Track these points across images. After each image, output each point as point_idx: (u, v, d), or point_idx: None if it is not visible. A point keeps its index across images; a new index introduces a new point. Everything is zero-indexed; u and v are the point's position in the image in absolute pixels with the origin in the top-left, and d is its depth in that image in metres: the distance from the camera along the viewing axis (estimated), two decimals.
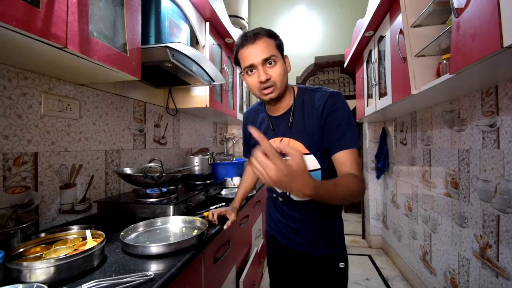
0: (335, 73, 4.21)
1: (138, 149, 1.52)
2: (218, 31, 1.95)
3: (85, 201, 1.15)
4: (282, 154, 0.88)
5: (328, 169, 0.85)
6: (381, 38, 1.89)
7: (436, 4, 1.17)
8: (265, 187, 2.12)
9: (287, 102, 0.89)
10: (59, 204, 1.03)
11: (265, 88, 0.81)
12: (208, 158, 1.80)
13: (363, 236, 3.21)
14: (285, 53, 0.87)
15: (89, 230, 0.76)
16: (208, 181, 1.72)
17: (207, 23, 1.75)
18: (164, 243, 0.74)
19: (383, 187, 2.89)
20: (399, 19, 1.47)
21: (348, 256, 0.96)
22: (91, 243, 0.71)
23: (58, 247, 0.70)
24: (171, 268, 0.66)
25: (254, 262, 1.59)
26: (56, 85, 1.01)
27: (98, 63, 0.81)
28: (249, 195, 1.36)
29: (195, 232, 0.89)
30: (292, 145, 0.86)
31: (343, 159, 0.78)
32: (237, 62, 0.87)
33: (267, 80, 0.79)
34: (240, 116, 2.51)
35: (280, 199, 0.97)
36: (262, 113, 0.98)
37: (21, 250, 0.67)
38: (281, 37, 0.86)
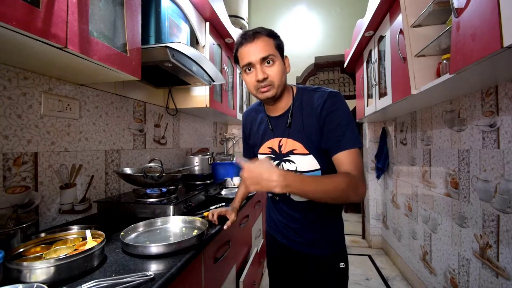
0: (335, 73, 4.21)
1: (138, 149, 1.52)
2: (218, 31, 1.95)
3: (85, 201, 1.15)
4: (284, 155, 0.88)
5: (328, 170, 0.85)
6: (381, 38, 1.89)
7: (436, 4, 1.17)
8: None
9: (286, 102, 0.89)
10: (59, 204, 1.03)
11: (262, 87, 0.81)
12: (208, 158, 1.80)
13: (363, 236, 3.21)
14: (285, 53, 0.87)
15: (89, 230, 0.76)
16: (208, 181, 1.72)
17: (207, 23, 1.75)
18: (164, 243, 0.74)
19: (383, 187, 2.89)
20: (399, 19, 1.47)
21: (348, 256, 0.96)
22: (91, 243, 0.71)
23: (58, 247, 0.70)
24: (171, 268, 0.66)
25: (254, 262, 1.59)
26: (56, 85, 1.01)
27: (98, 63, 0.81)
28: (249, 195, 1.37)
29: (195, 232, 0.89)
30: (291, 145, 0.86)
31: (342, 160, 0.77)
32: (236, 61, 0.87)
33: (264, 79, 0.79)
34: (240, 116, 2.51)
35: (277, 197, 0.98)
36: (261, 113, 0.98)
37: (21, 250, 0.67)
38: (281, 37, 0.86)
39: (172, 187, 1.22)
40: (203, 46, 1.74)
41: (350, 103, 3.80)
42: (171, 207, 1.06)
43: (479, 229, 1.29)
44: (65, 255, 0.62)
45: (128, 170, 1.26)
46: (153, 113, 1.67)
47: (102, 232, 0.75)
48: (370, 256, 2.71)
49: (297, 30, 3.33)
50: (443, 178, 1.61)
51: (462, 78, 1.05)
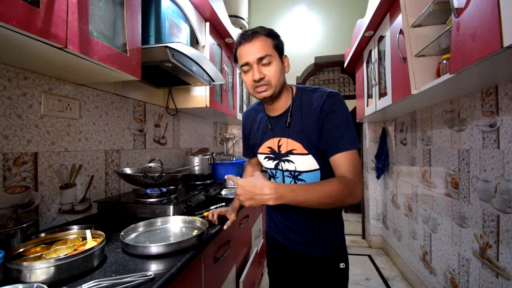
0: (335, 73, 4.21)
1: (138, 149, 1.52)
2: (218, 31, 1.95)
3: (85, 201, 1.15)
4: (284, 155, 0.88)
5: (328, 170, 0.85)
6: (381, 38, 1.89)
7: (436, 4, 1.17)
8: None
9: (285, 102, 0.89)
10: (59, 204, 1.03)
11: (258, 87, 0.82)
12: (208, 158, 1.80)
13: (363, 236, 3.21)
14: (285, 53, 0.87)
15: (89, 230, 0.76)
16: (208, 181, 1.72)
17: (207, 23, 1.75)
18: (164, 243, 0.74)
19: (383, 187, 2.89)
20: (399, 19, 1.47)
21: (348, 256, 0.96)
22: (91, 243, 0.71)
23: (58, 247, 0.70)
24: (171, 268, 0.66)
25: (254, 262, 1.59)
26: (56, 85, 1.01)
27: (98, 63, 0.81)
28: None
29: (195, 232, 0.89)
30: (290, 145, 0.86)
31: (339, 161, 0.78)
32: (236, 60, 0.88)
33: (261, 79, 0.80)
34: (240, 116, 2.51)
35: None
36: (261, 113, 0.98)
37: (21, 250, 0.67)
38: (282, 37, 0.86)
39: (172, 187, 1.22)
40: (203, 46, 1.74)
41: (350, 103, 3.81)
42: (171, 207, 1.06)
43: (479, 229, 1.29)
44: (65, 255, 0.62)
45: (128, 170, 1.26)
46: (153, 113, 1.67)
47: (102, 232, 0.75)
48: (370, 256, 2.71)
49: (297, 30, 3.33)
50: (443, 178, 1.61)
51: (462, 78, 1.05)
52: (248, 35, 0.80)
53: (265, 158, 0.96)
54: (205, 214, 1.08)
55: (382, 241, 2.90)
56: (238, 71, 2.52)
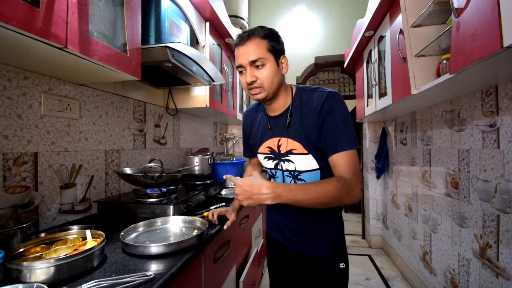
0: (335, 73, 4.21)
1: (138, 149, 1.52)
2: (218, 31, 1.95)
3: (85, 201, 1.15)
4: (283, 154, 0.88)
5: (328, 169, 0.85)
6: (381, 38, 1.89)
7: (436, 4, 1.17)
8: None
9: (284, 102, 0.89)
10: (59, 204, 1.03)
11: (251, 89, 0.83)
12: (208, 158, 1.80)
13: (363, 236, 3.21)
14: (285, 53, 0.87)
15: (89, 230, 0.76)
16: (208, 181, 1.72)
17: (207, 23, 1.75)
18: (164, 243, 0.74)
19: (383, 187, 2.89)
20: (399, 19, 1.47)
21: (348, 256, 0.96)
22: (91, 243, 0.71)
23: (58, 247, 0.70)
24: (171, 268, 0.66)
25: (254, 262, 1.59)
26: (56, 85, 1.01)
27: (98, 63, 0.81)
28: None
29: (195, 232, 0.89)
30: (290, 145, 0.86)
31: (338, 161, 0.78)
32: None
33: (253, 81, 0.81)
34: (240, 116, 2.51)
35: None
36: (261, 113, 0.98)
37: (21, 250, 0.67)
38: (281, 37, 0.86)
39: (172, 187, 1.22)
40: (203, 46, 1.74)
41: (350, 103, 3.81)
42: (171, 207, 1.06)
43: (479, 229, 1.29)
44: (65, 255, 0.62)
45: (128, 170, 1.26)
46: (153, 113, 1.67)
47: (102, 232, 0.75)
48: (370, 256, 2.71)
49: (297, 30, 3.33)
50: (443, 178, 1.61)
51: (462, 78, 1.05)
52: (243, 38, 0.81)
53: (265, 158, 0.96)
54: (205, 214, 1.08)
55: (382, 241, 2.90)
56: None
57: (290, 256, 0.98)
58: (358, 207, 3.95)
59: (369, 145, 2.98)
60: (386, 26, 1.74)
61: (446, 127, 1.56)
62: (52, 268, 0.58)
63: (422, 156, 1.89)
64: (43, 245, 0.71)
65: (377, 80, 2.00)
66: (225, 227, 1.00)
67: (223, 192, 1.69)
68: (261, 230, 2.09)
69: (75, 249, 0.69)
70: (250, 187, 0.71)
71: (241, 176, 1.77)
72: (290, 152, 0.87)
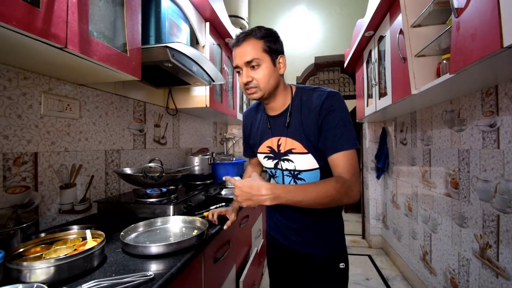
0: (335, 73, 4.21)
1: (138, 149, 1.52)
2: (218, 31, 1.95)
3: (85, 201, 1.15)
4: (283, 154, 0.89)
5: (328, 169, 0.85)
6: (381, 38, 1.89)
7: (436, 4, 1.17)
8: None
9: (283, 102, 0.89)
10: (59, 204, 1.03)
11: (248, 89, 0.84)
12: (208, 158, 1.80)
13: (363, 236, 3.21)
14: (285, 53, 0.87)
15: (89, 230, 0.76)
16: (208, 181, 1.72)
17: (207, 23, 1.75)
18: (164, 243, 0.74)
19: (383, 187, 2.89)
20: (399, 19, 1.47)
21: (348, 256, 0.96)
22: (91, 243, 0.71)
23: (58, 247, 0.70)
24: (171, 268, 0.66)
25: (254, 262, 1.59)
26: (56, 85, 1.01)
27: (98, 63, 0.81)
28: None
29: (195, 232, 0.89)
30: (290, 144, 0.87)
31: (337, 161, 0.78)
32: None
33: (249, 82, 0.82)
34: (240, 116, 2.51)
35: None
36: (260, 113, 0.99)
37: (21, 250, 0.66)
38: (281, 37, 0.87)
39: (172, 187, 1.22)
40: (203, 46, 1.74)
41: (350, 103, 3.81)
42: (171, 207, 1.06)
43: (479, 229, 1.29)
44: (65, 255, 0.62)
45: (128, 170, 1.26)
46: (153, 113, 1.67)
47: (102, 232, 0.75)
48: (370, 256, 2.71)
49: (297, 30, 3.33)
50: (443, 178, 1.61)
51: (462, 78, 1.05)
52: (239, 39, 0.83)
53: (264, 157, 0.97)
54: (205, 214, 1.08)
55: (382, 241, 2.90)
56: None
57: (290, 256, 0.98)
58: (358, 207, 3.95)
59: (369, 145, 2.98)
60: (386, 26, 1.74)
61: (446, 127, 1.56)
62: (52, 268, 0.57)
63: (422, 156, 1.89)
64: (43, 245, 0.71)
65: (377, 80, 2.00)
66: (225, 227, 1.00)
67: (223, 192, 1.69)
68: (261, 230, 2.09)
69: (75, 249, 0.69)
70: (249, 188, 0.72)
71: (241, 176, 1.77)
72: (289, 151, 0.87)
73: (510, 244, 1.10)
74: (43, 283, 0.53)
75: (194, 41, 1.71)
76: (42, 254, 0.66)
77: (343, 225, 0.97)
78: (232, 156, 2.32)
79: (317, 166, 0.86)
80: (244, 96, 2.86)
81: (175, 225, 0.97)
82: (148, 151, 1.62)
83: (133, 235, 0.87)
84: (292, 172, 0.90)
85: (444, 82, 1.08)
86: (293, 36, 3.32)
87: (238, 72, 0.85)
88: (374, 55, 2.06)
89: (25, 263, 0.57)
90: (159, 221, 0.97)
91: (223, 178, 0.85)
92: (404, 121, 2.22)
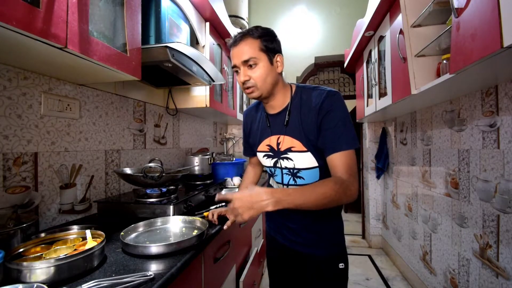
0: (335, 73, 4.21)
1: (138, 149, 1.52)
2: (218, 31, 1.95)
3: (85, 201, 1.15)
4: (282, 152, 0.88)
5: (327, 167, 0.84)
6: (381, 38, 1.89)
7: (436, 4, 1.17)
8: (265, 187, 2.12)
9: (283, 100, 0.89)
10: (59, 204, 1.03)
11: (246, 88, 0.85)
12: (208, 158, 1.80)
13: (363, 236, 3.21)
14: (284, 53, 0.87)
15: (89, 230, 0.75)
16: (208, 181, 1.72)
17: (207, 23, 1.75)
18: (164, 243, 0.74)
19: (383, 187, 2.89)
20: (399, 19, 1.47)
21: (348, 256, 0.96)
22: (91, 243, 0.71)
23: (58, 247, 0.70)
24: (171, 268, 0.66)
25: (254, 262, 1.59)
26: (56, 85, 1.01)
27: (98, 63, 0.81)
28: None
29: (195, 232, 0.89)
30: (289, 143, 0.87)
31: (335, 161, 0.78)
32: None
33: (246, 81, 0.83)
34: (240, 116, 2.51)
35: None
36: (260, 112, 0.99)
37: (21, 250, 0.66)
38: (281, 37, 0.87)
39: (172, 187, 1.22)
40: (203, 46, 1.74)
41: (350, 103, 3.81)
42: (171, 207, 1.06)
43: (479, 229, 1.29)
44: (65, 255, 0.62)
45: (128, 170, 1.26)
46: (153, 113, 1.67)
47: (102, 232, 0.75)
48: (370, 256, 2.71)
49: (297, 30, 3.33)
50: (443, 178, 1.61)
51: (462, 78, 1.05)
52: (236, 38, 0.83)
53: (264, 156, 0.97)
54: (205, 214, 1.08)
55: (382, 241, 2.90)
56: None
57: (290, 256, 0.98)
58: (358, 207, 3.94)
59: (369, 145, 2.98)
60: (386, 26, 1.74)
61: (446, 127, 1.56)
62: (52, 268, 0.57)
63: (422, 156, 1.89)
64: (43, 245, 0.71)
65: (377, 80, 2.00)
66: (225, 227, 1.00)
67: (223, 192, 1.69)
68: (261, 230, 2.09)
69: (75, 249, 0.69)
70: (249, 197, 0.69)
71: (241, 176, 1.77)
72: (289, 150, 0.88)
73: (510, 244, 1.10)
74: (43, 283, 0.53)
75: (194, 41, 1.71)
76: (42, 254, 0.66)
77: (342, 225, 0.97)
78: (232, 156, 2.32)
79: (317, 164, 0.86)
80: (244, 96, 2.86)
81: (175, 225, 0.97)
82: (148, 151, 1.62)
83: (133, 235, 0.87)
84: (291, 170, 0.90)
85: (444, 82, 1.08)
86: (293, 36, 3.32)
87: (236, 71, 0.86)
88: (374, 55, 2.06)
89: (25, 263, 0.57)
90: (159, 221, 0.97)
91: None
92: (404, 121, 2.22)
